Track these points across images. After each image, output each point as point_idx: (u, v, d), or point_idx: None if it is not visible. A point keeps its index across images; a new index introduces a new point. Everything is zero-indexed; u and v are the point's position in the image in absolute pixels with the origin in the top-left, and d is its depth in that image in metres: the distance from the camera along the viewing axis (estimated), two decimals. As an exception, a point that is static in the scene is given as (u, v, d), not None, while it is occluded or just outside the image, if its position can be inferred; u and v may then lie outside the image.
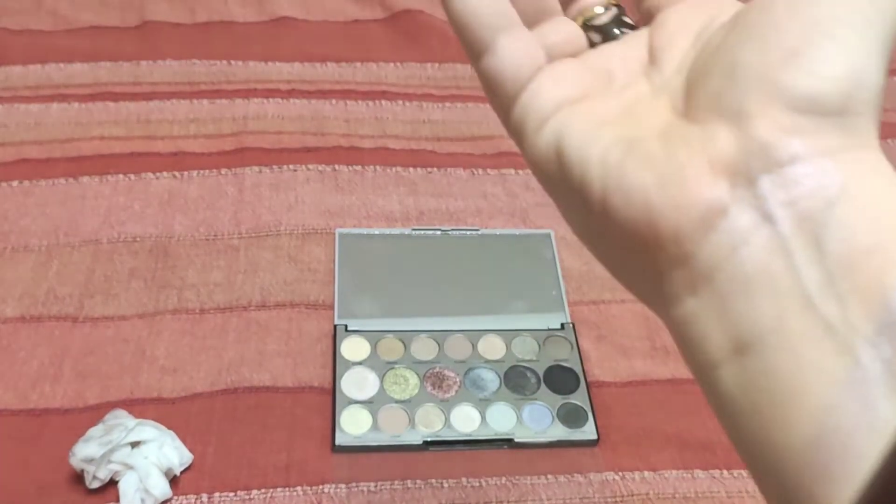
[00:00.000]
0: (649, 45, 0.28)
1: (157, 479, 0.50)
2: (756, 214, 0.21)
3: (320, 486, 0.53)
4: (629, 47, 0.28)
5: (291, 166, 0.74)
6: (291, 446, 0.55)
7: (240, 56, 0.85)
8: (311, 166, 0.74)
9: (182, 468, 0.52)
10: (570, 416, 0.58)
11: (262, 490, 0.53)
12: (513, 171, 0.76)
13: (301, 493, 0.53)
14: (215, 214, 0.69)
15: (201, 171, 0.73)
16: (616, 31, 0.29)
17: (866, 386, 0.18)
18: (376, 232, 0.68)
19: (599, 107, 0.26)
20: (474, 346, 0.61)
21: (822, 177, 0.21)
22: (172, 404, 0.56)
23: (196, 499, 0.52)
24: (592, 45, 0.29)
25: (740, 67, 0.22)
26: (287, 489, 0.53)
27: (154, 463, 0.50)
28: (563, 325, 0.63)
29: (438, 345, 0.61)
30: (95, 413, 0.55)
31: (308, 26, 0.90)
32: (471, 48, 0.28)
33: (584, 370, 0.60)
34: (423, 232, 0.68)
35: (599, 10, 0.29)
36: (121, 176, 0.72)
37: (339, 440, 0.55)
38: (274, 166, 0.74)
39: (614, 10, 0.30)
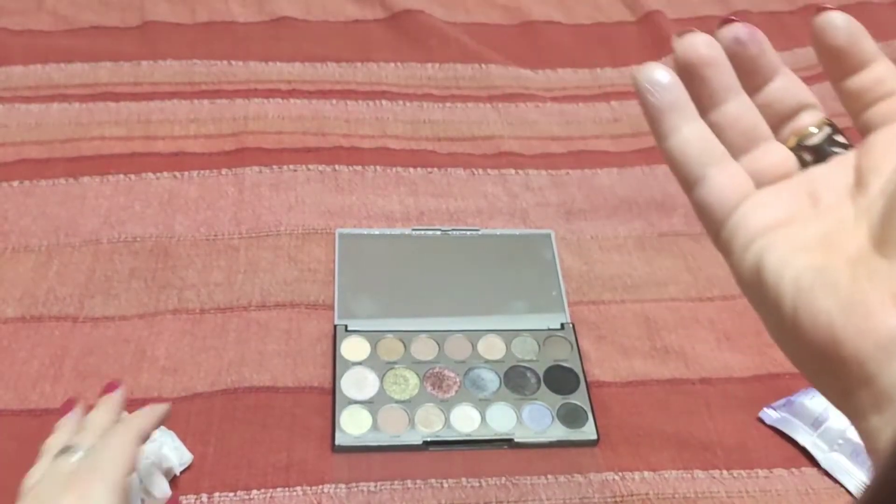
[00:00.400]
0: (857, 166, 0.29)
1: (158, 480, 0.50)
2: None
3: (320, 486, 0.53)
4: (837, 168, 0.29)
5: (292, 166, 0.74)
6: (291, 446, 0.55)
7: (240, 56, 0.85)
8: (311, 166, 0.74)
9: (182, 468, 0.52)
10: (570, 416, 0.58)
11: (262, 490, 0.53)
12: (513, 171, 0.76)
13: (301, 493, 0.53)
14: (215, 214, 0.69)
15: (202, 172, 0.73)
16: (829, 149, 0.30)
17: None
18: (376, 232, 0.68)
19: (801, 231, 0.28)
20: (474, 347, 0.61)
21: None
22: (173, 405, 0.56)
23: (196, 499, 0.52)
24: (804, 163, 0.31)
25: None
26: (287, 489, 0.53)
27: (154, 463, 0.50)
28: (563, 325, 0.63)
29: (438, 345, 0.61)
30: (95, 413, 0.55)
31: (308, 26, 0.90)
32: (684, 182, 0.31)
33: (583, 370, 0.60)
34: (423, 232, 0.68)
35: (814, 129, 0.31)
36: (121, 176, 0.72)
37: (339, 440, 0.55)
38: (274, 166, 0.74)
39: (828, 130, 0.31)
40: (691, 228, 0.71)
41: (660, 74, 0.29)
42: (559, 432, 0.57)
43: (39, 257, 0.65)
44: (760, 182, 0.30)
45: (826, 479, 0.56)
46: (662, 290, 0.67)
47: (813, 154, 0.31)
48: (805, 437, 0.57)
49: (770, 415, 0.59)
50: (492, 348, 0.61)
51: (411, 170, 0.75)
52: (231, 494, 0.52)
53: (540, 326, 0.63)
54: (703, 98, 0.30)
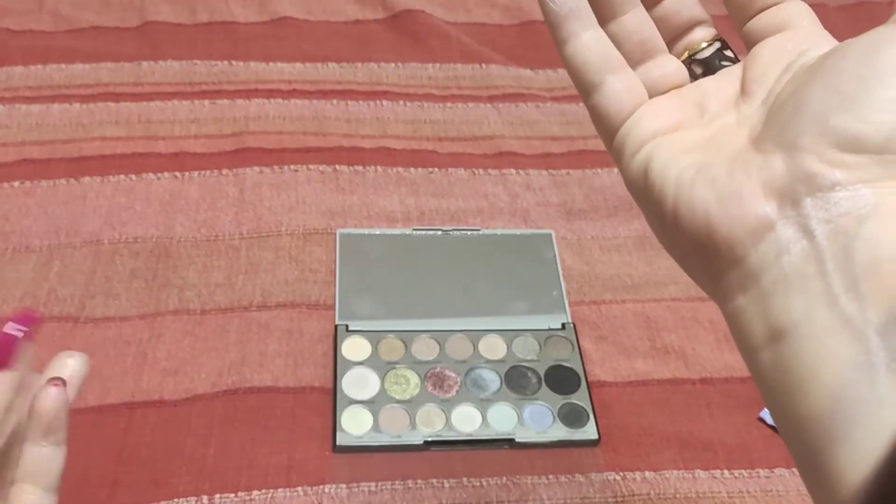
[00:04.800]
0: (742, 77, 0.31)
1: None
2: (798, 229, 0.25)
3: (321, 487, 0.53)
4: (725, 79, 0.31)
5: (292, 166, 0.74)
6: (292, 447, 0.55)
7: (241, 56, 0.85)
8: (312, 166, 0.74)
9: None
10: (571, 416, 0.58)
11: (263, 491, 0.53)
12: (513, 171, 0.76)
13: (302, 493, 0.53)
14: (216, 215, 0.69)
15: (202, 172, 0.73)
16: (718, 63, 0.32)
17: (873, 368, 0.22)
18: (377, 232, 0.68)
19: (686, 136, 0.30)
20: (475, 346, 0.61)
21: (857, 200, 0.24)
22: (174, 407, 0.56)
23: (196, 500, 0.52)
24: (695, 76, 0.33)
25: (803, 107, 0.26)
26: (288, 489, 0.53)
27: None
28: (563, 325, 0.63)
29: (439, 345, 0.61)
30: (97, 414, 0.55)
31: (309, 26, 0.90)
32: (581, 87, 0.32)
33: (584, 370, 0.60)
34: (423, 232, 0.68)
35: (704, 44, 0.33)
36: (122, 176, 0.72)
37: (340, 440, 0.55)
38: (275, 166, 0.74)
39: (717, 45, 0.33)
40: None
41: None
42: (560, 432, 0.57)
43: (40, 258, 0.65)
44: (653, 92, 0.32)
45: (827, 478, 0.56)
46: (663, 290, 0.67)
47: (703, 67, 0.33)
48: (806, 437, 0.57)
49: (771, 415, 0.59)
50: (493, 348, 0.61)
51: (412, 170, 0.75)
52: (232, 496, 0.52)
53: (541, 326, 0.63)
54: (602, 9, 0.32)
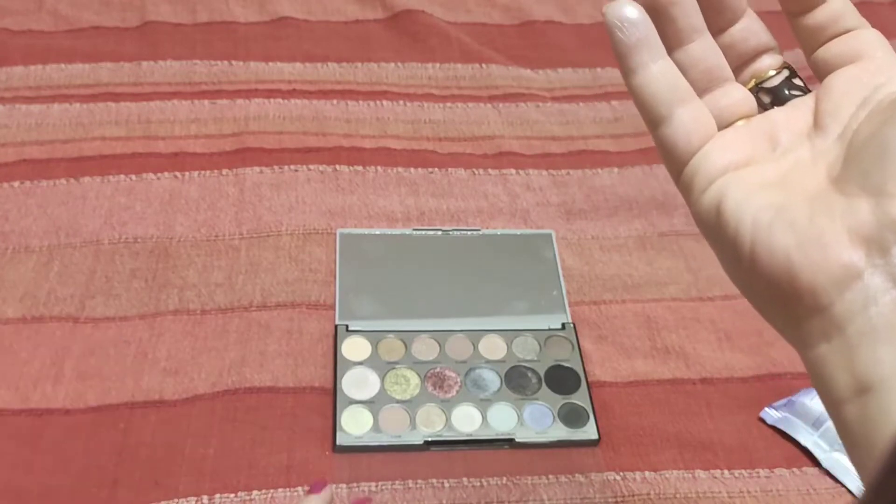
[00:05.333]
0: (815, 109, 0.30)
1: None
2: (887, 278, 0.24)
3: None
4: (796, 111, 0.31)
5: (292, 166, 0.74)
6: (292, 447, 0.55)
7: (241, 56, 0.85)
8: (312, 166, 0.74)
9: None
10: (571, 417, 0.58)
11: (263, 491, 0.53)
12: (513, 171, 0.76)
13: (302, 493, 0.53)
14: (216, 215, 0.69)
15: (202, 172, 0.73)
16: (787, 92, 0.31)
17: None
18: (377, 232, 0.68)
19: (760, 172, 0.29)
20: (475, 347, 0.61)
21: None
22: (174, 407, 0.56)
23: (197, 500, 0.52)
24: (763, 106, 0.32)
25: (890, 150, 0.25)
26: (288, 489, 0.53)
27: None
28: (563, 325, 0.63)
29: (439, 345, 0.61)
30: (97, 414, 0.55)
31: (309, 26, 0.90)
32: (649, 119, 0.31)
33: (584, 370, 0.60)
34: (423, 232, 0.68)
35: (772, 73, 0.32)
36: (122, 176, 0.72)
37: (340, 440, 0.55)
38: (275, 166, 0.74)
39: (785, 73, 0.32)
40: (692, 228, 0.71)
41: (629, 11, 0.30)
42: (560, 432, 0.57)
43: (40, 258, 0.65)
44: (720, 122, 0.31)
45: (827, 478, 0.56)
46: (663, 290, 0.67)
47: (771, 96, 0.32)
48: (806, 437, 0.57)
49: (771, 415, 0.59)
50: (493, 348, 0.61)
51: (412, 170, 0.75)
52: (232, 496, 0.52)
53: (541, 326, 0.63)
54: (668, 37, 0.31)
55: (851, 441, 0.25)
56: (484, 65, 0.87)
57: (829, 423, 0.57)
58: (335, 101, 0.81)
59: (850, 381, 0.24)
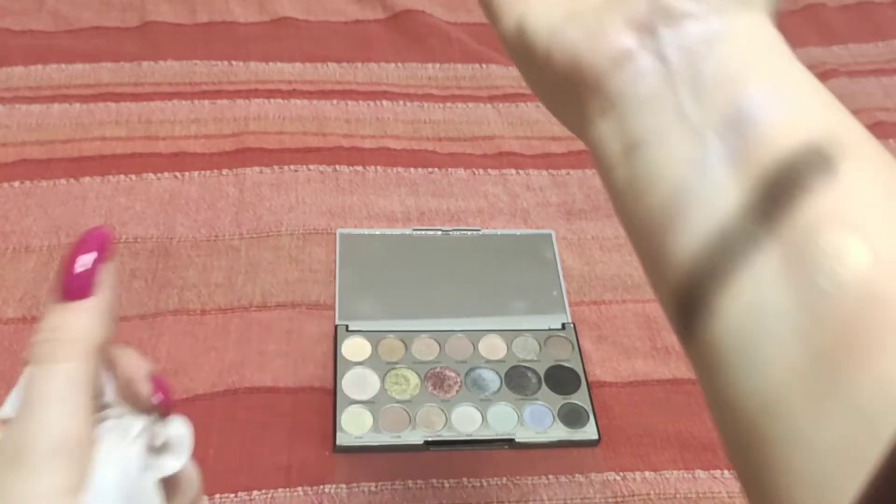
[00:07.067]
0: None
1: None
2: (655, 57, 0.27)
3: (321, 487, 0.53)
4: None
5: (292, 167, 0.74)
6: (292, 447, 0.55)
7: (241, 56, 0.85)
8: (312, 167, 0.74)
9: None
10: (571, 417, 0.58)
11: (263, 491, 0.53)
12: (514, 171, 0.76)
13: (302, 493, 0.53)
14: (216, 215, 0.69)
15: (202, 172, 0.73)
16: None
17: (706, 162, 0.25)
18: (377, 232, 0.68)
19: None
20: (475, 347, 0.61)
21: (707, 26, 0.27)
22: (175, 407, 0.56)
23: (197, 499, 0.52)
24: None
25: None
26: (288, 490, 0.53)
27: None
28: (563, 325, 0.63)
29: (439, 345, 0.61)
30: (97, 413, 0.55)
31: (309, 26, 0.90)
32: None
33: (584, 370, 0.60)
34: (423, 232, 0.68)
35: None
36: (122, 176, 0.72)
37: (340, 440, 0.55)
38: (275, 167, 0.74)
39: None
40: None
41: None
42: (560, 432, 0.57)
43: (41, 258, 0.65)
44: None
45: (827, 478, 0.56)
46: (663, 290, 0.67)
47: None
48: (806, 437, 0.57)
49: (771, 415, 0.59)
50: (493, 348, 0.61)
51: (412, 170, 0.75)
52: (232, 496, 0.52)
53: (541, 326, 0.63)
54: None
55: (619, 198, 0.28)
56: (484, 65, 0.87)
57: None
58: (335, 101, 0.81)
59: (620, 146, 0.28)
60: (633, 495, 0.55)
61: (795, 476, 0.22)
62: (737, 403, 0.24)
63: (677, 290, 0.25)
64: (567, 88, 0.30)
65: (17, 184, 0.70)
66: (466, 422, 0.57)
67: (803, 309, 0.21)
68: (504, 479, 0.55)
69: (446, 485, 0.54)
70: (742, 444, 0.24)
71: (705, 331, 0.24)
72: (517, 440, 0.56)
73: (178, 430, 0.35)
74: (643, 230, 0.27)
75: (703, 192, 0.25)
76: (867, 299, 0.21)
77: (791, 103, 0.26)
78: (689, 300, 0.24)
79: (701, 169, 0.25)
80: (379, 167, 0.75)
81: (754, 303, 0.22)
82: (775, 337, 0.22)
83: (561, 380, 0.60)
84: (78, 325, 0.30)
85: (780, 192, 0.23)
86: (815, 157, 0.23)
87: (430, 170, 0.75)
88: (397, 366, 0.59)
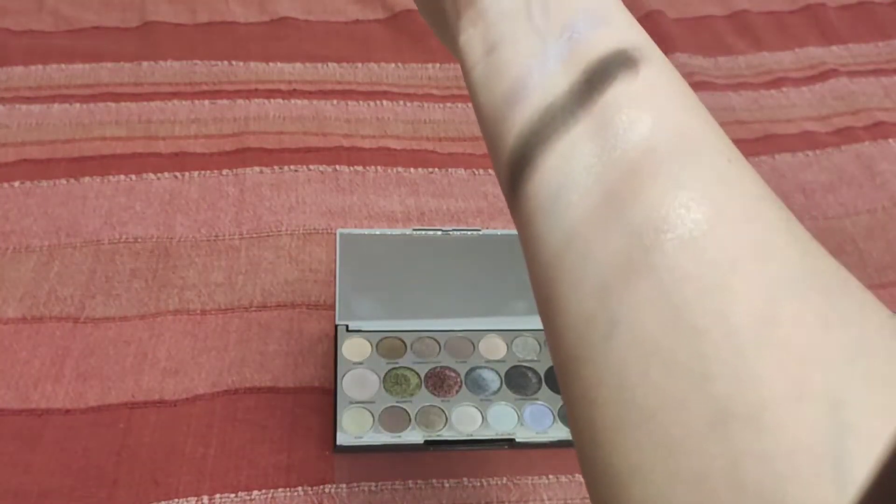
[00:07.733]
0: None
1: None
2: None
3: (321, 487, 0.53)
4: None
5: (292, 167, 0.74)
6: (292, 447, 0.55)
7: (241, 56, 0.85)
8: (312, 167, 0.74)
9: None
10: (571, 417, 0.58)
11: (263, 491, 0.53)
12: (514, 171, 0.76)
13: (302, 493, 0.53)
14: (216, 215, 0.69)
15: (202, 172, 0.73)
16: None
17: (547, 57, 0.30)
18: (377, 232, 0.68)
19: None
20: (475, 347, 0.61)
21: None
22: (174, 407, 0.56)
23: (197, 500, 0.52)
24: None
25: None
26: (288, 489, 0.53)
27: None
28: (564, 325, 0.63)
29: (439, 345, 0.61)
30: (97, 414, 0.55)
31: (309, 26, 0.90)
32: None
33: (585, 370, 0.60)
34: (424, 232, 0.68)
35: None
36: (122, 176, 0.72)
37: (340, 440, 0.55)
38: (275, 167, 0.74)
39: None
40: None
41: None
42: (560, 432, 0.57)
43: (41, 257, 0.65)
44: None
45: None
46: (663, 290, 0.67)
47: None
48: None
49: (771, 415, 0.59)
50: (493, 348, 0.61)
51: (412, 170, 0.75)
52: (232, 495, 0.52)
53: (541, 326, 0.62)
54: None
55: (476, 96, 0.32)
56: (484, 65, 0.87)
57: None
58: (335, 102, 0.81)
59: (482, 48, 0.32)
60: (633, 495, 0.55)
61: (582, 288, 0.27)
62: (545, 244, 0.29)
63: (510, 153, 0.30)
64: (446, 5, 0.35)
65: (17, 184, 0.70)
66: (466, 422, 0.57)
67: (601, 161, 0.27)
68: (504, 479, 0.55)
69: (446, 485, 0.54)
70: (546, 279, 0.30)
71: (528, 185, 0.29)
72: (517, 440, 0.56)
73: None
74: (492, 115, 0.31)
75: (541, 80, 0.30)
76: (647, 151, 0.27)
77: (607, 20, 0.31)
78: (518, 159, 0.30)
79: (541, 63, 0.30)
80: (379, 167, 0.75)
81: (565, 155, 0.28)
82: (579, 183, 0.28)
83: (561, 380, 0.59)
84: None
85: (595, 80, 0.29)
86: (622, 58, 0.30)
87: (430, 170, 0.75)
88: (397, 366, 0.59)
